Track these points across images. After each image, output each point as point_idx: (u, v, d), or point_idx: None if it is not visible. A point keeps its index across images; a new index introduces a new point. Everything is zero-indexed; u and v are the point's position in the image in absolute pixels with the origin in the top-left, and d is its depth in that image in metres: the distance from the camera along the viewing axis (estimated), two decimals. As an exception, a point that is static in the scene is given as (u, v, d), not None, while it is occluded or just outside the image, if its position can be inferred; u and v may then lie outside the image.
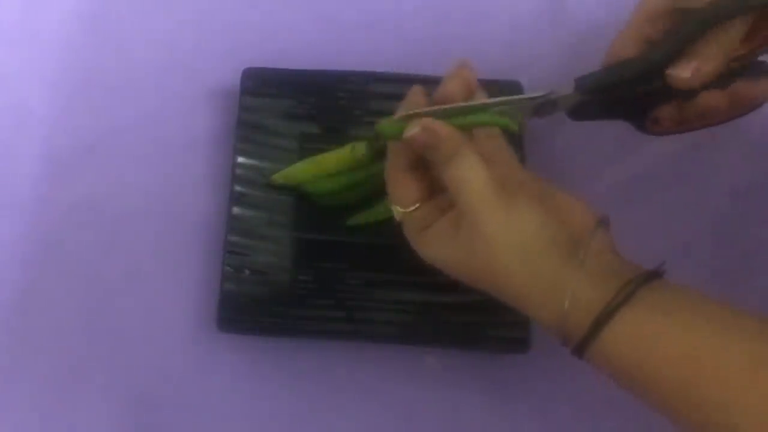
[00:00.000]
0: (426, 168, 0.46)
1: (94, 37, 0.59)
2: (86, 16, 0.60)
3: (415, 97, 0.47)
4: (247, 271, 0.52)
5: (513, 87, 0.55)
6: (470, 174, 0.42)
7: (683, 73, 0.43)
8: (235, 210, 0.53)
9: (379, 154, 0.53)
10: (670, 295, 0.39)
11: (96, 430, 0.51)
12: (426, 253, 0.45)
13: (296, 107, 0.56)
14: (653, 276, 0.40)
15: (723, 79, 0.45)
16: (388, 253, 0.51)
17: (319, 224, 0.53)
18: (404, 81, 0.56)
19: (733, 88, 0.45)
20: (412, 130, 0.43)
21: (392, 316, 0.51)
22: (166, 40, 0.59)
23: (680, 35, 0.43)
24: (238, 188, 0.53)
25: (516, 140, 0.54)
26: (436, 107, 0.45)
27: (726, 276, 0.54)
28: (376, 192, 0.52)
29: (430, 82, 0.55)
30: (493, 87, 0.55)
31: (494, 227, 0.41)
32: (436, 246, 0.44)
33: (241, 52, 0.58)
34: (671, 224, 0.55)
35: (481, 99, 0.46)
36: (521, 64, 0.58)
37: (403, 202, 0.45)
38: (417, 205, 0.45)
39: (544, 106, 0.47)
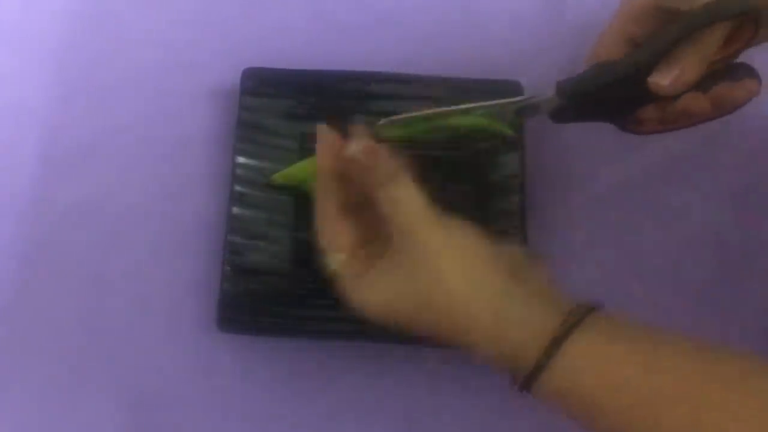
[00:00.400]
0: (355, 213, 0.44)
1: (93, 37, 0.59)
2: (85, 16, 0.60)
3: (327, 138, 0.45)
4: (247, 271, 0.52)
5: (513, 87, 0.55)
6: (408, 195, 0.41)
7: (663, 80, 0.43)
8: (235, 210, 0.53)
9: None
10: (614, 324, 0.39)
11: (96, 430, 0.51)
12: (367, 299, 0.42)
13: (296, 107, 0.56)
14: (595, 307, 0.39)
15: (704, 82, 0.45)
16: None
17: (319, 224, 0.53)
18: (404, 81, 0.56)
19: (714, 91, 0.45)
20: (352, 149, 0.42)
21: (392, 316, 0.51)
22: (166, 40, 0.59)
23: (660, 41, 0.43)
24: (238, 188, 0.53)
25: (517, 140, 0.54)
26: (428, 111, 0.46)
27: (726, 276, 0.54)
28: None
29: (430, 82, 0.56)
30: (493, 87, 0.56)
31: (436, 245, 0.40)
32: (376, 287, 0.42)
33: (241, 52, 0.58)
34: (671, 224, 0.55)
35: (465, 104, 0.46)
36: (521, 64, 0.58)
37: (339, 246, 0.43)
38: (352, 251, 0.43)
39: (525, 110, 0.47)
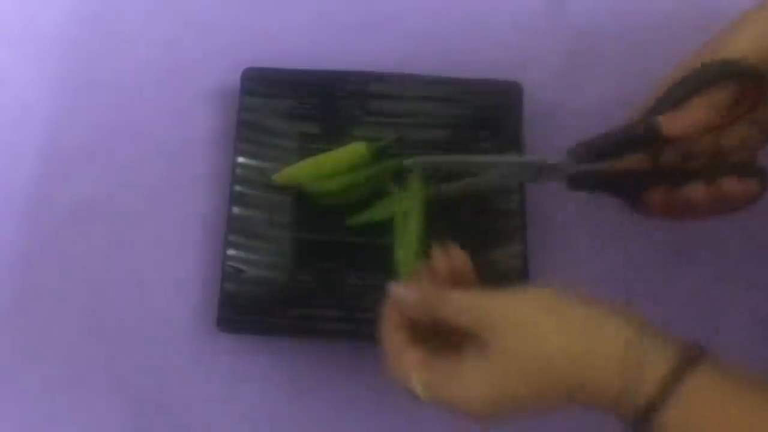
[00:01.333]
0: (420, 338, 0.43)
1: (94, 38, 0.59)
2: (87, 16, 0.60)
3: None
4: (247, 271, 0.52)
5: (513, 87, 0.55)
6: (468, 298, 0.41)
7: (672, 120, 0.45)
8: (235, 210, 0.53)
9: (379, 156, 0.53)
10: (723, 371, 0.37)
11: (96, 430, 0.51)
12: (465, 392, 0.40)
13: (296, 107, 0.56)
14: (703, 350, 0.38)
15: (710, 172, 0.46)
16: (388, 253, 0.51)
17: (319, 224, 0.53)
18: (404, 81, 0.56)
19: (718, 184, 0.46)
20: (401, 290, 0.42)
21: (392, 316, 0.51)
22: (167, 40, 0.59)
23: (668, 102, 0.45)
24: (238, 188, 0.53)
25: (517, 144, 0.54)
26: (456, 158, 0.51)
27: (726, 276, 0.54)
28: (375, 192, 0.53)
29: (430, 82, 0.56)
30: (493, 87, 0.56)
31: (539, 311, 0.39)
32: (471, 379, 0.39)
33: (241, 52, 0.58)
34: (670, 225, 0.55)
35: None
36: (521, 64, 0.58)
37: (412, 366, 0.41)
38: (426, 365, 0.41)
39: (542, 172, 0.49)
